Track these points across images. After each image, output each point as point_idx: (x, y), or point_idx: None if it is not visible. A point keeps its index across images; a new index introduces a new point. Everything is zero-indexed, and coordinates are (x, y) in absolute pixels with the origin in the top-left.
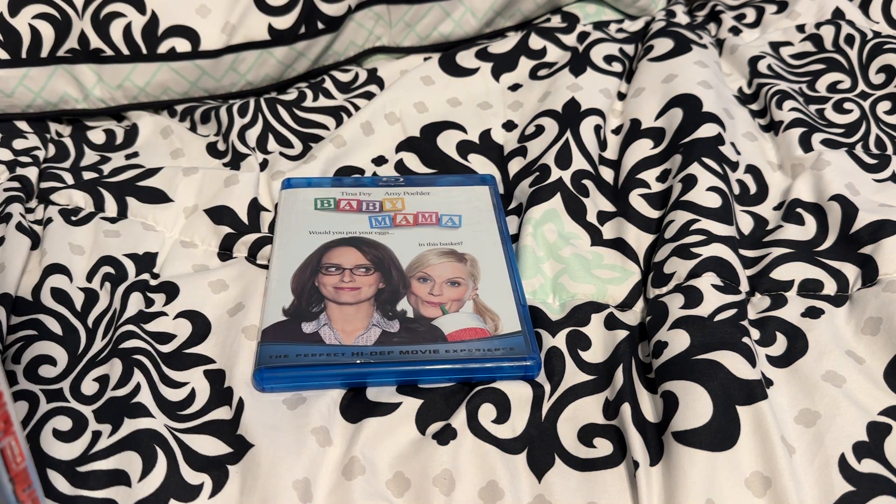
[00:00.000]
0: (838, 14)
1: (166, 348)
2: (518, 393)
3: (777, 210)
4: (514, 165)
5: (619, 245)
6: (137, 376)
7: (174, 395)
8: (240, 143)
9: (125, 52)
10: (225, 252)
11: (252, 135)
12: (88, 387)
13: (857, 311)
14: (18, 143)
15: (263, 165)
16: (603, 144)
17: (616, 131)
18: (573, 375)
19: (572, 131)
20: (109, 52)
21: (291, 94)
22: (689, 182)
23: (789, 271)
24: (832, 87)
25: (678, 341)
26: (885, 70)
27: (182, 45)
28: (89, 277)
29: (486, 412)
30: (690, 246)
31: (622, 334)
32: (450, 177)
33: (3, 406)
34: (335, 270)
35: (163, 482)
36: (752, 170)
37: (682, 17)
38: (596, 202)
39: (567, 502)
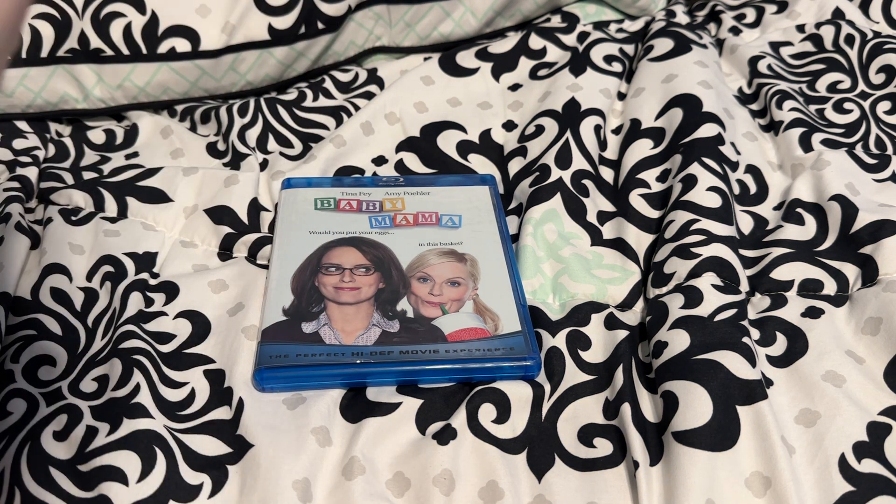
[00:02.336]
0: (838, 14)
1: (166, 348)
2: (518, 393)
3: (777, 210)
4: (514, 165)
5: (619, 245)
6: (137, 376)
7: (174, 395)
8: (240, 143)
9: (125, 52)
10: (225, 252)
11: (252, 135)
12: (88, 386)
13: (857, 311)
14: (18, 143)
15: (263, 165)
16: (603, 144)
17: (616, 131)
18: (573, 375)
19: (572, 131)
20: (109, 52)
21: (291, 94)
22: (690, 182)
23: (789, 271)
24: (832, 87)
25: (678, 341)
26: (885, 70)
27: (182, 45)
28: (89, 277)
29: (486, 412)
30: (690, 246)
31: (622, 334)
32: (450, 177)
33: None
34: (335, 270)
35: (162, 482)
36: (752, 170)
37: (682, 17)
38: (596, 202)
39: (567, 502)
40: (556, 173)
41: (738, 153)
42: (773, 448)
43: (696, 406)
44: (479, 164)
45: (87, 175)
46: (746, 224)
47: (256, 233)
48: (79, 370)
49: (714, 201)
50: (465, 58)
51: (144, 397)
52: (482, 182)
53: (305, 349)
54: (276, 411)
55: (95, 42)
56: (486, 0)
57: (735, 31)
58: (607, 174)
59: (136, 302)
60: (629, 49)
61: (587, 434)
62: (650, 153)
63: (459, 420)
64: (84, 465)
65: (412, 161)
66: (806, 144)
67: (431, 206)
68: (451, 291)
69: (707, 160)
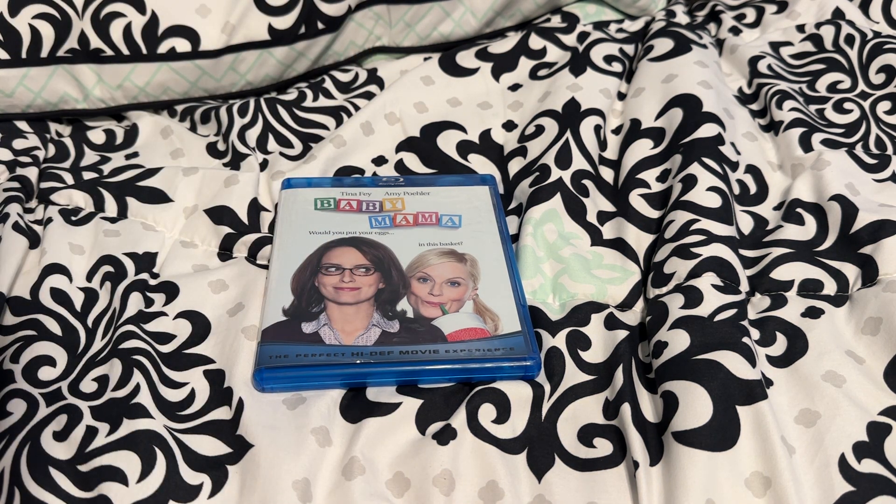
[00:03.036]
0: (838, 14)
1: (166, 348)
2: (518, 393)
3: (777, 210)
4: (514, 165)
5: (619, 245)
6: (137, 377)
7: (174, 395)
8: (240, 143)
9: (125, 52)
10: (225, 252)
11: (252, 135)
12: (88, 386)
13: (857, 311)
14: (18, 143)
15: (263, 165)
16: (603, 144)
17: (616, 131)
18: (573, 375)
19: (572, 131)
20: (109, 52)
21: (291, 94)
22: (689, 182)
23: (789, 271)
24: (832, 87)
25: (678, 341)
26: (885, 70)
27: (182, 45)
28: (89, 277)
29: (486, 412)
30: (690, 246)
31: (622, 334)
32: (450, 177)
33: None
34: (335, 270)
35: (162, 482)
36: (752, 170)
37: (682, 17)
38: (596, 202)
39: (567, 502)
40: (556, 173)
41: (738, 153)
42: (773, 448)
43: (696, 406)
44: (479, 164)
45: (87, 175)
46: (746, 224)
47: (256, 233)
48: (79, 370)
49: (714, 201)
50: (465, 58)
51: (144, 397)
52: (482, 182)
53: (305, 349)
54: (276, 411)
55: (95, 42)
56: (486, 0)
57: (735, 31)
58: (607, 174)
59: (136, 302)
60: (629, 49)
61: (587, 434)
62: (650, 153)
63: (459, 420)
64: (84, 466)
65: (412, 161)
66: (806, 144)
67: (431, 206)
68: (450, 291)
69: (707, 160)
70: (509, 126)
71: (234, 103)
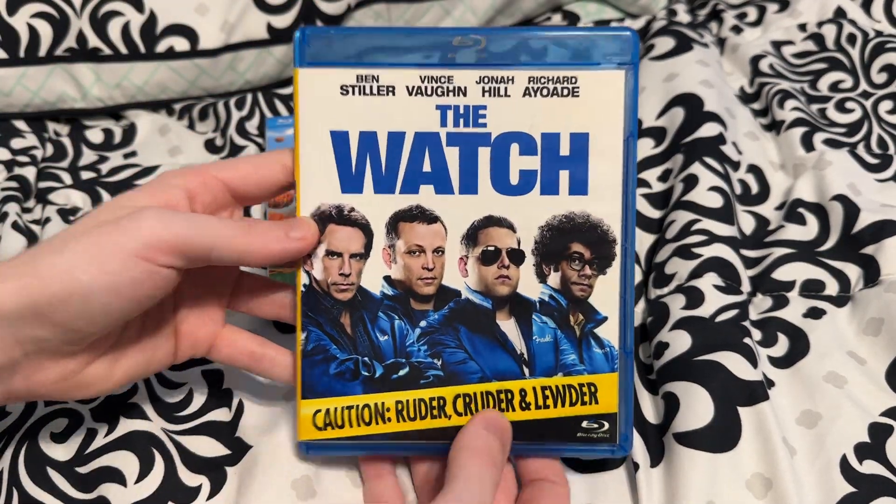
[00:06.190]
0: (840, 13)
1: None
2: None
3: (779, 210)
4: None
5: None
6: None
7: (172, 396)
8: (238, 136)
9: (123, 51)
10: None
11: (250, 127)
12: None
13: (859, 312)
14: (16, 143)
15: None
16: None
17: None
18: None
19: None
20: (108, 52)
21: (289, 88)
22: (691, 182)
23: (791, 272)
24: (834, 87)
25: (679, 342)
26: (888, 69)
27: (180, 44)
28: None
29: None
30: (692, 246)
31: None
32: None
33: None
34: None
35: (160, 484)
36: (754, 169)
37: (683, 16)
38: None
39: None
40: None
41: (740, 153)
42: (775, 449)
43: (696, 407)
44: None
45: (86, 175)
46: (748, 224)
47: None
48: None
49: (715, 201)
50: None
51: (142, 398)
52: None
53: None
54: (274, 413)
55: (94, 41)
56: None
57: (737, 29)
58: None
59: None
60: None
61: None
62: (651, 153)
63: None
64: (83, 467)
65: None
66: (808, 144)
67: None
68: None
69: (708, 160)
70: None
71: (232, 99)
